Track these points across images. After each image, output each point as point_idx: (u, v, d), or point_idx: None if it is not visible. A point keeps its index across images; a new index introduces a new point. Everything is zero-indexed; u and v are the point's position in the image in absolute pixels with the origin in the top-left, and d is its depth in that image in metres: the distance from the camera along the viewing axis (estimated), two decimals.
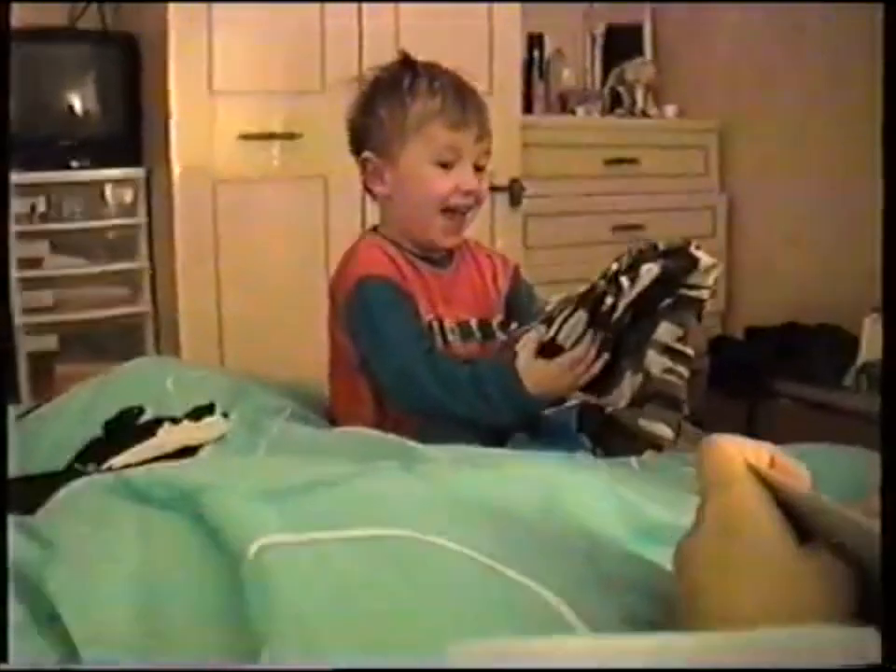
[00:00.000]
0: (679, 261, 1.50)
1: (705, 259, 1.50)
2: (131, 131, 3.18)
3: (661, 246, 1.51)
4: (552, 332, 1.56)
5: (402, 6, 3.23)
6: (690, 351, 1.54)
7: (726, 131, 4.24)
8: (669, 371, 1.53)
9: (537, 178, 3.59)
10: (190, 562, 0.74)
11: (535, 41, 4.09)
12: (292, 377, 1.91)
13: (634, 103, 4.29)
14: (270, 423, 1.30)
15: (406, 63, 1.74)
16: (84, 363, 2.76)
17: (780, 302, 3.90)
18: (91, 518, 0.83)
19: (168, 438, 1.27)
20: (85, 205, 3.12)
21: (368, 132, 1.73)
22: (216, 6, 2.94)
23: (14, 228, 2.86)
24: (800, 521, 0.64)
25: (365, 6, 3.19)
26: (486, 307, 1.78)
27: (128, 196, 3.14)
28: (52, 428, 1.50)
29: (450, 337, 1.69)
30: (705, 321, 3.96)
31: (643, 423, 1.53)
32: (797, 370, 3.48)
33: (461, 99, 1.69)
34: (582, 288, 1.58)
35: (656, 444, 1.51)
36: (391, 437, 1.19)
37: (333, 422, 1.68)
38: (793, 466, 0.70)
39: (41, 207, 3.04)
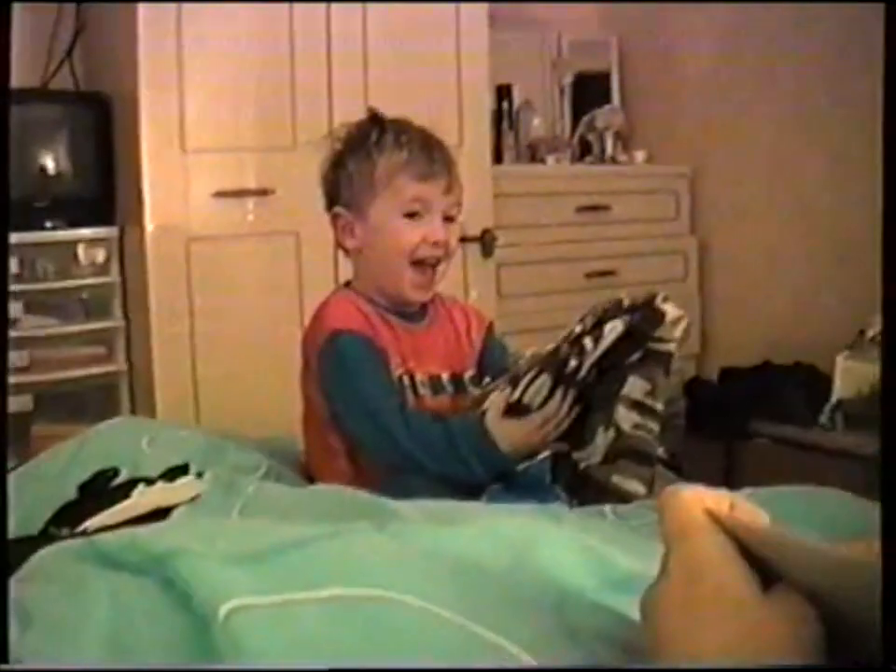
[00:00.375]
0: (644, 316, 1.51)
1: (671, 311, 1.52)
2: (103, 190, 3.19)
3: (626, 302, 1.53)
4: (517, 394, 1.57)
5: (371, 60, 3.27)
6: (659, 406, 1.56)
7: (696, 174, 4.28)
8: (639, 426, 1.55)
9: (509, 228, 3.62)
10: (161, 626, 0.74)
11: (504, 92, 4.13)
12: (268, 434, 1.91)
13: (603, 150, 4.33)
14: (245, 482, 1.31)
15: (374, 119, 1.77)
16: (60, 423, 2.76)
17: (754, 343, 3.92)
18: (62, 584, 0.83)
19: (142, 500, 1.27)
20: (58, 265, 3.12)
21: (338, 187, 1.76)
22: (187, 66, 2.96)
23: None
24: (763, 565, 0.65)
25: (335, 62, 3.21)
26: (459, 361, 1.79)
27: (101, 255, 3.14)
28: (27, 491, 1.49)
29: (421, 391, 1.70)
30: (680, 363, 4.00)
31: (616, 479, 1.54)
32: (773, 409, 3.50)
33: (428, 151, 1.71)
34: (548, 348, 1.59)
35: (629, 500, 1.51)
36: (365, 495, 1.20)
37: (310, 477, 1.69)
38: (752, 510, 0.71)
39: (14, 268, 3.04)
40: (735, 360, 3.86)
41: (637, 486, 1.53)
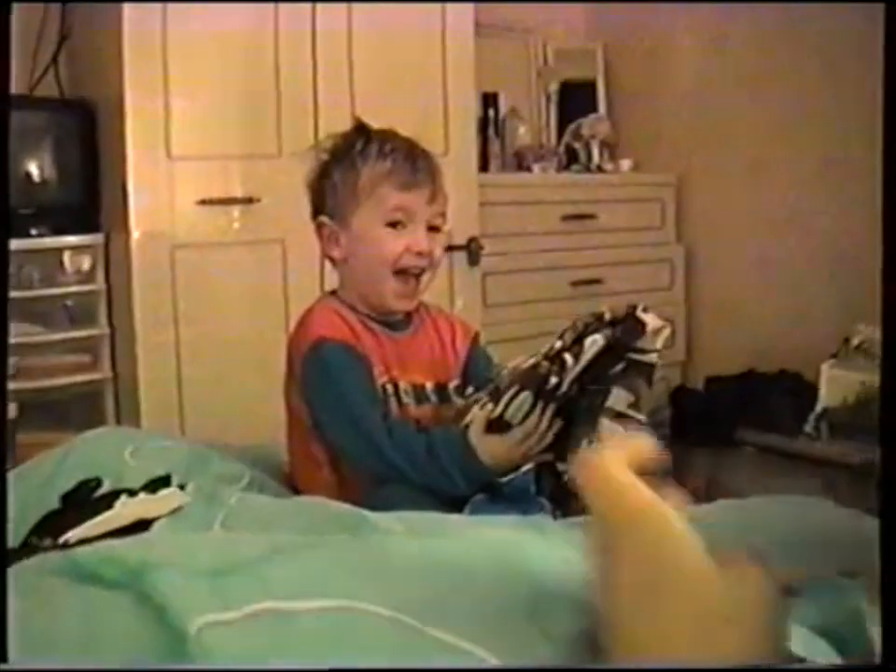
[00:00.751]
0: (625, 329, 1.51)
1: (652, 322, 1.52)
2: (89, 197, 3.19)
3: (607, 316, 1.53)
4: (499, 410, 1.57)
5: (357, 69, 3.27)
6: (642, 417, 1.56)
7: (682, 182, 4.29)
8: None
9: (495, 236, 3.62)
10: (135, 641, 0.74)
11: (490, 100, 4.14)
12: (253, 441, 1.91)
13: (590, 158, 4.33)
14: (227, 493, 1.30)
15: (360, 129, 1.77)
16: (45, 431, 2.74)
17: (740, 351, 3.94)
18: (36, 598, 0.83)
19: (124, 511, 1.27)
20: (44, 273, 3.11)
21: (323, 196, 1.76)
22: (172, 73, 2.96)
23: None
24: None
25: (320, 69, 3.22)
26: (443, 371, 1.79)
27: (86, 263, 3.14)
28: (11, 501, 1.49)
29: (404, 399, 1.70)
30: (665, 372, 4.00)
31: None
32: (758, 418, 3.51)
33: (412, 160, 1.71)
34: (529, 362, 1.59)
35: None
36: (346, 507, 1.20)
37: (294, 486, 1.69)
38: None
39: None
40: (721, 368, 3.87)
41: None
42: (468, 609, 0.77)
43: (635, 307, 1.53)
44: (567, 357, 1.51)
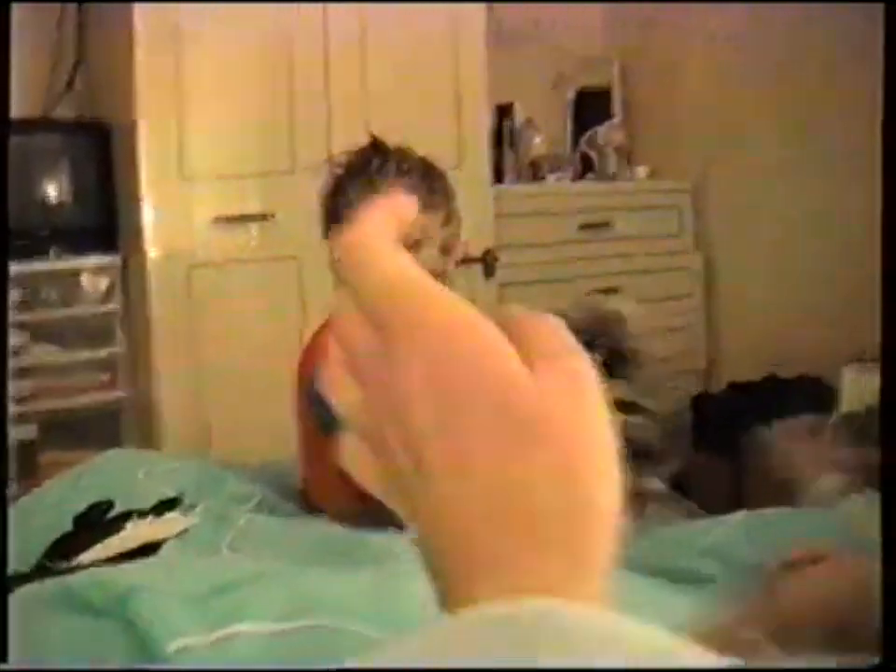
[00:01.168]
0: (596, 321, 1.52)
1: (624, 308, 1.53)
2: (106, 218, 3.22)
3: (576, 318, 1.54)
4: None
5: (369, 81, 3.28)
6: (650, 403, 1.56)
7: (699, 189, 4.28)
8: (634, 426, 1.55)
9: (511, 247, 3.62)
10: (117, 661, 0.76)
11: (505, 111, 4.14)
12: (267, 460, 1.92)
13: (605, 167, 4.33)
14: (236, 515, 1.32)
15: (376, 146, 1.78)
16: (65, 450, 2.77)
17: (760, 356, 3.92)
18: (33, 627, 0.84)
19: (133, 533, 1.28)
20: (62, 294, 3.14)
21: (337, 212, 1.76)
22: (185, 94, 2.99)
23: None
24: None
25: (332, 83, 3.23)
26: None
27: (104, 283, 3.17)
28: (27, 523, 1.51)
29: None
30: (685, 379, 3.98)
31: (642, 481, 1.55)
32: (780, 423, 3.50)
33: (429, 181, 1.72)
34: None
35: (653, 499, 1.52)
36: (346, 531, 1.21)
37: (306, 502, 1.69)
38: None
39: (18, 297, 3.06)
40: (742, 374, 3.85)
41: (656, 483, 1.54)
42: None
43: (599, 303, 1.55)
44: None
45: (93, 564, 1.26)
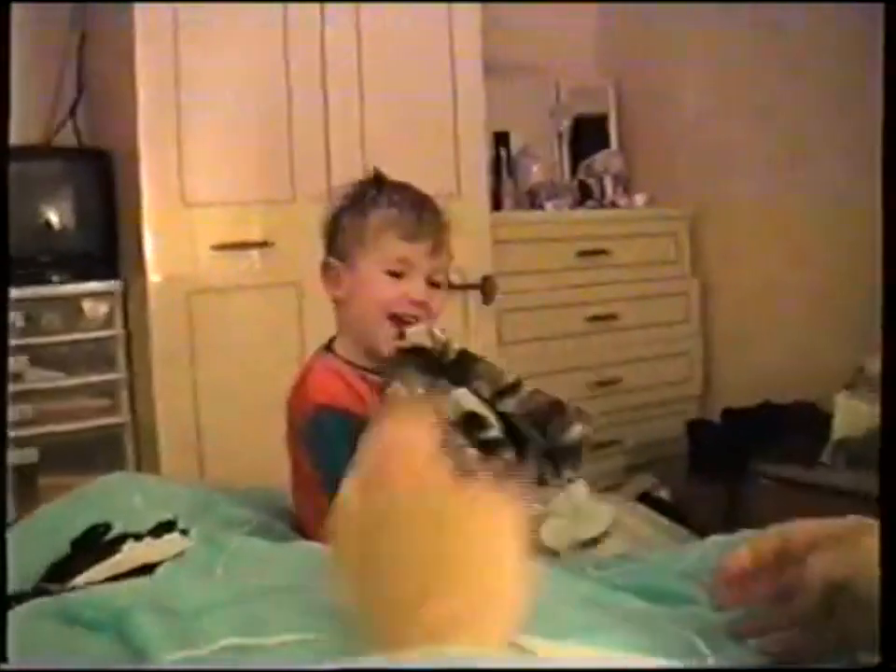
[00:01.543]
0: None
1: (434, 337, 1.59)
2: (107, 244, 3.24)
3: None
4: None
5: (368, 110, 3.32)
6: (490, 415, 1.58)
7: (696, 216, 4.32)
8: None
9: (509, 274, 3.65)
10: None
11: (501, 139, 4.18)
12: (263, 485, 1.94)
13: (603, 194, 4.36)
14: (230, 537, 1.34)
15: (376, 178, 1.82)
16: (66, 474, 2.78)
17: (755, 382, 3.94)
18: (31, 639, 0.87)
19: (128, 556, 1.30)
20: (63, 319, 3.17)
21: (333, 239, 1.81)
22: (185, 121, 3.02)
23: None
24: None
25: (332, 112, 3.27)
26: None
27: (105, 309, 3.19)
28: (25, 546, 1.52)
29: None
30: (681, 405, 4.00)
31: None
32: (775, 449, 3.52)
33: (418, 212, 1.75)
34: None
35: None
36: None
37: (300, 529, 1.71)
38: None
39: (20, 322, 3.09)
40: (737, 400, 3.88)
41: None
42: None
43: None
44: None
45: (89, 585, 1.28)
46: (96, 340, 3.20)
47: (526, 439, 1.60)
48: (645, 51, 4.44)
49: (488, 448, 1.56)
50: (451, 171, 3.45)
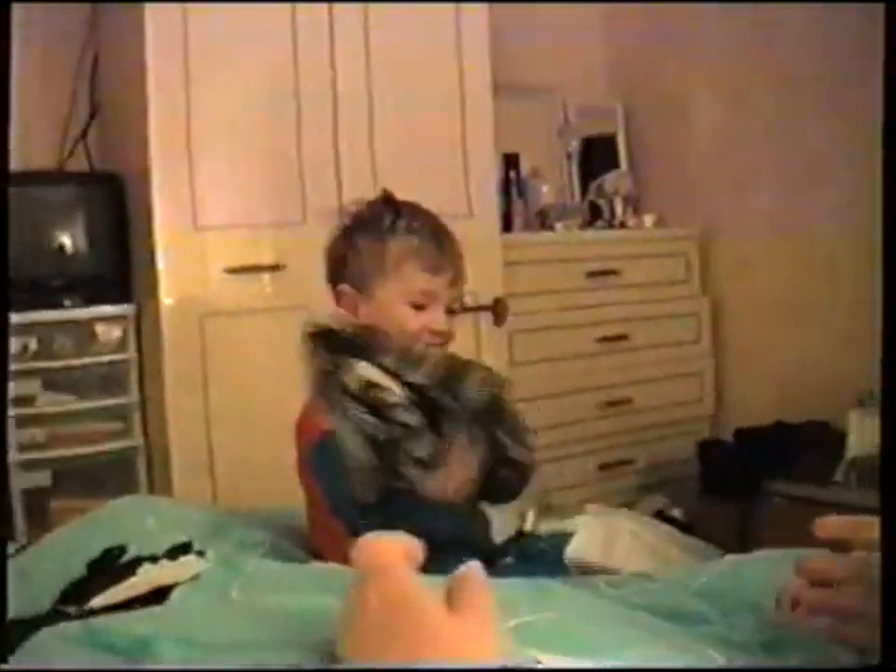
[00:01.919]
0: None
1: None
2: (119, 268, 3.26)
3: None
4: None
5: (378, 133, 3.33)
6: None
7: (705, 235, 4.32)
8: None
9: (520, 295, 3.65)
10: None
11: (511, 161, 4.19)
12: (276, 507, 1.94)
13: (613, 214, 4.37)
14: (246, 559, 1.34)
15: (388, 201, 1.79)
16: (78, 498, 2.79)
17: (767, 402, 3.94)
18: (55, 663, 0.87)
19: (145, 578, 1.31)
20: (76, 343, 3.18)
21: (346, 264, 1.78)
22: (196, 146, 3.03)
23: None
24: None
25: (341, 134, 3.28)
26: None
27: (117, 332, 3.20)
28: (40, 568, 1.53)
29: None
30: (693, 425, 3.98)
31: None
32: (788, 468, 3.51)
33: (438, 243, 1.73)
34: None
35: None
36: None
37: (314, 550, 1.71)
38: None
39: (33, 346, 3.10)
40: (750, 420, 3.87)
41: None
42: None
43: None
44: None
45: (106, 607, 1.29)
46: (109, 363, 3.22)
47: (441, 406, 1.60)
48: (653, 71, 4.45)
49: (387, 413, 1.57)
50: (461, 193, 3.46)
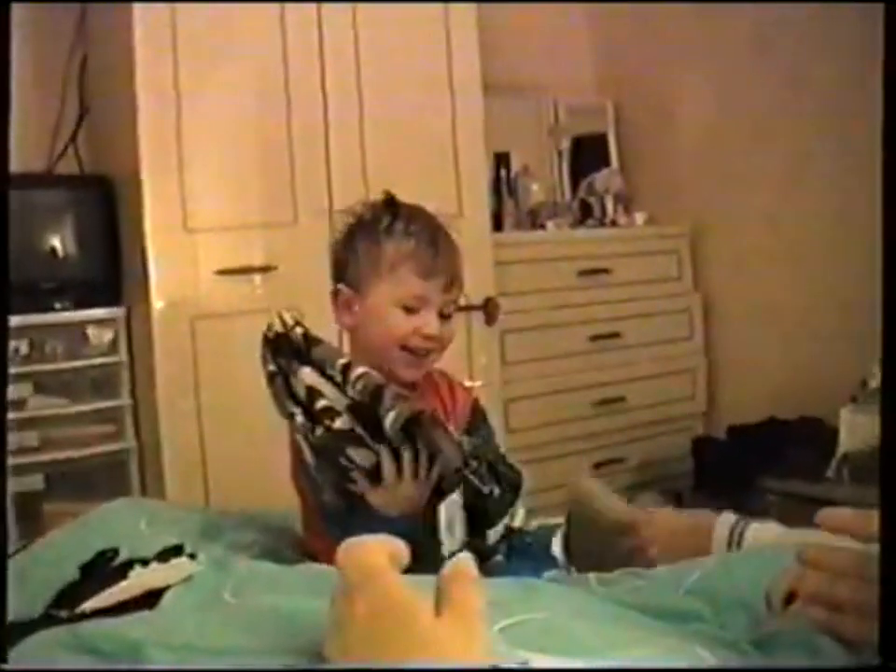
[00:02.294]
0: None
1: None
2: (110, 271, 3.26)
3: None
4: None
5: (368, 132, 3.33)
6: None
7: (696, 232, 4.32)
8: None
9: (511, 294, 3.66)
10: None
11: (501, 160, 4.19)
12: (268, 508, 1.94)
13: (604, 213, 4.37)
14: (237, 561, 1.34)
15: (389, 203, 1.78)
16: (71, 501, 2.79)
17: (760, 398, 3.95)
18: (47, 662, 0.87)
19: (136, 581, 1.30)
20: (67, 346, 3.18)
21: (345, 265, 1.77)
22: (187, 147, 3.03)
23: None
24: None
25: (332, 135, 3.28)
26: None
27: (109, 335, 3.20)
28: (33, 572, 1.52)
29: None
30: (687, 423, 3.99)
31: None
32: (780, 465, 3.51)
33: (434, 246, 1.72)
34: None
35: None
36: None
37: (306, 551, 1.71)
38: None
39: (24, 349, 3.10)
40: (742, 417, 3.87)
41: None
42: None
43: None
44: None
45: (97, 611, 1.28)
46: (100, 366, 3.21)
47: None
48: (643, 69, 4.45)
49: (325, 421, 1.56)
50: (452, 192, 3.46)
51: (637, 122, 4.55)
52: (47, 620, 1.31)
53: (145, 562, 1.38)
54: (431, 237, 1.73)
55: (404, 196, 1.84)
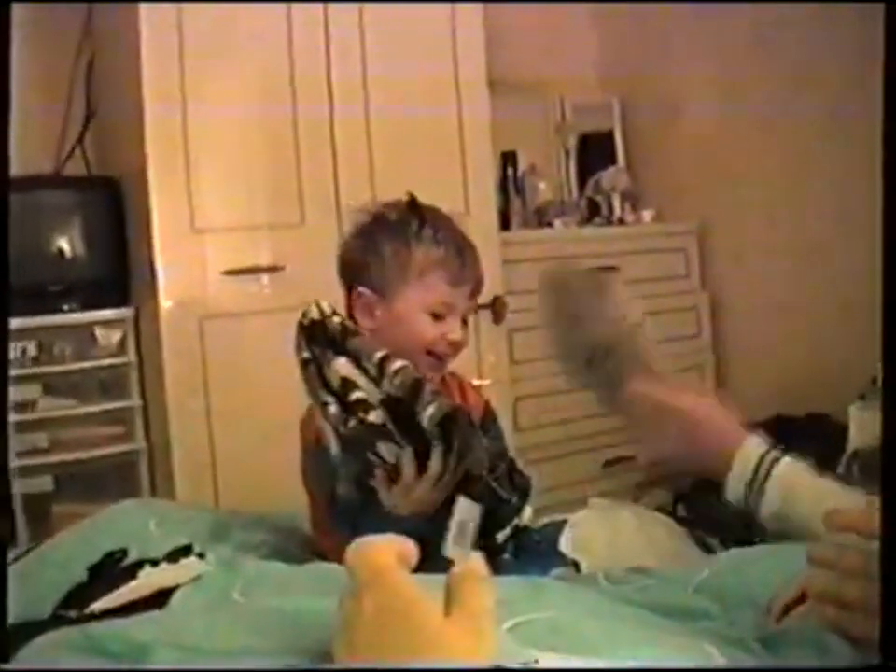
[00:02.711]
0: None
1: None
2: (118, 272, 3.26)
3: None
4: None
5: (374, 132, 3.33)
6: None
7: (704, 230, 4.31)
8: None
9: (519, 293, 3.65)
10: None
11: (508, 158, 4.19)
12: (277, 508, 1.94)
13: (611, 211, 4.37)
14: (247, 561, 1.34)
15: (413, 206, 1.76)
16: (81, 502, 2.79)
17: (768, 395, 3.93)
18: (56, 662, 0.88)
19: (145, 581, 1.31)
20: (75, 347, 3.19)
21: (366, 267, 1.74)
22: (193, 148, 3.03)
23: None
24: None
25: (338, 134, 3.28)
26: None
27: (117, 336, 3.21)
28: (42, 573, 1.53)
29: None
30: None
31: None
32: None
33: (462, 255, 1.72)
34: None
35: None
36: None
37: (314, 550, 1.71)
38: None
39: (32, 351, 3.10)
40: (750, 414, 3.85)
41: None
42: None
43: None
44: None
45: (106, 611, 1.29)
46: (109, 367, 3.22)
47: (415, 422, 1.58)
48: (649, 67, 4.45)
49: (358, 412, 1.55)
50: (459, 191, 3.46)
51: (644, 120, 4.55)
52: (56, 620, 1.31)
53: (154, 562, 1.39)
54: (460, 245, 1.73)
55: (438, 207, 1.82)
